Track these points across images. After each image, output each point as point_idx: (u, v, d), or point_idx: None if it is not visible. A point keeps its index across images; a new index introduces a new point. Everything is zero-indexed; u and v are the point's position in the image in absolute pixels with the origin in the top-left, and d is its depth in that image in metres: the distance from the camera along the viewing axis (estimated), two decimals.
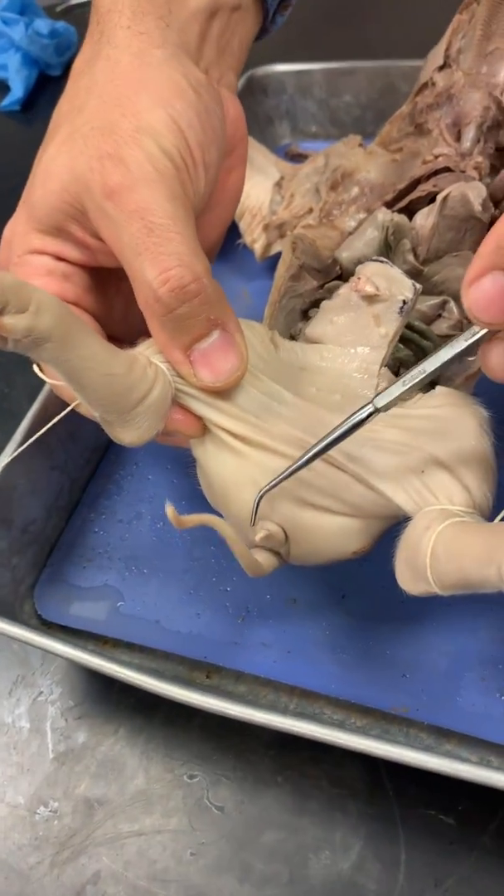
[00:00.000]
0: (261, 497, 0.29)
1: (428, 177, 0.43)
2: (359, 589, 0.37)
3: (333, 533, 0.31)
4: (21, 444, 0.38)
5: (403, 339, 0.36)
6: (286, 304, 0.39)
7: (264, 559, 0.31)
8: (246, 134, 0.37)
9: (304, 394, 0.32)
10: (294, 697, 0.34)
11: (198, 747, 0.35)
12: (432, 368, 0.27)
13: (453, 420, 0.31)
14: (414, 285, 0.33)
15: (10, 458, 0.37)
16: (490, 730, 0.32)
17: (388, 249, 0.40)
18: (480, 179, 0.41)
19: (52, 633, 0.38)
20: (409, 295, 0.33)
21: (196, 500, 0.33)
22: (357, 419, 0.28)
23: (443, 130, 0.45)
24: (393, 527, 0.30)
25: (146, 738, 0.36)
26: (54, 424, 0.33)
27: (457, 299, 0.37)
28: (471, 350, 0.27)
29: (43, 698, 0.38)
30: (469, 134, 0.43)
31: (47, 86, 0.85)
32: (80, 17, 0.90)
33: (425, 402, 0.32)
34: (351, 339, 0.34)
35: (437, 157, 0.43)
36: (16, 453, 0.37)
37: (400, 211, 0.42)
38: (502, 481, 0.31)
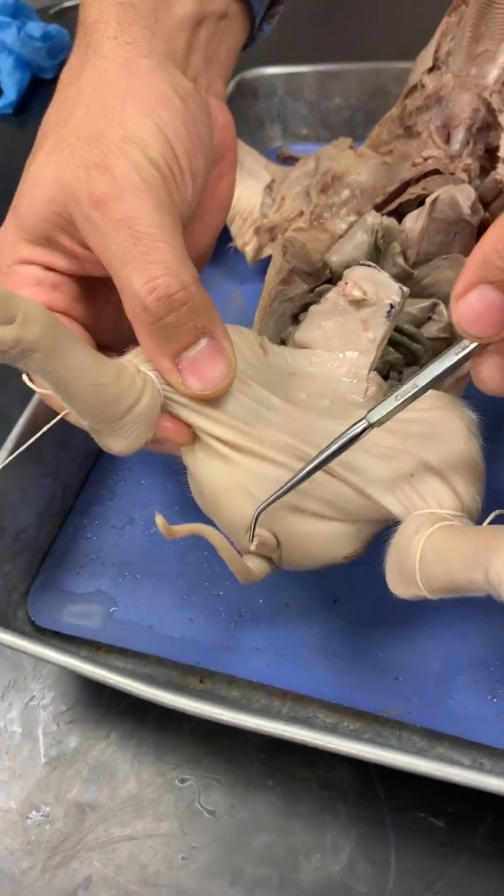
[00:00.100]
0: (259, 513, 0.29)
1: (417, 179, 0.43)
2: (351, 593, 0.37)
3: (325, 538, 0.31)
4: (12, 451, 0.38)
5: (393, 343, 0.36)
6: (277, 308, 0.39)
7: (256, 566, 0.31)
8: (235, 141, 0.37)
9: (293, 399, 0.32)
10: (287, 701, 0.35)
11: (189, 751, 0.35)
12: (424, 383, 0.27)
13: (442, 423, 0.31)
14: (401, 289, 0.33)
15: (1, 466, 0.37)
16: (482, 732, 0.32)
17: (377, 253, 0.40)
18: (470, 182, 0.41)
19: (46, 639, 0.38)
20: (396, 299, 0.33)
21: (188, 505, 0.33)
22: (351, 434, 0.28)
23: (432, 133, 0.45)
24: (384, 531, 0.30)
25: (137, 742, 0.36)
26: (45, 432, 0.33)
27: (446, 302, 0.37)
28: (461, 362, 0.27)
29: (35, 703, 0.38)
30: (458, 136, 0.43)
31: (40, 89, 0.85)
32: (72, 20, 0.89)
33: (414, 406, 0.32)
34: (339, 343, 0.34)
35: (426, 159, 0.43)
36: (6, 461, 0.37)
37: (390, 214, 0.42)
38: (491, 484, 0.31)
